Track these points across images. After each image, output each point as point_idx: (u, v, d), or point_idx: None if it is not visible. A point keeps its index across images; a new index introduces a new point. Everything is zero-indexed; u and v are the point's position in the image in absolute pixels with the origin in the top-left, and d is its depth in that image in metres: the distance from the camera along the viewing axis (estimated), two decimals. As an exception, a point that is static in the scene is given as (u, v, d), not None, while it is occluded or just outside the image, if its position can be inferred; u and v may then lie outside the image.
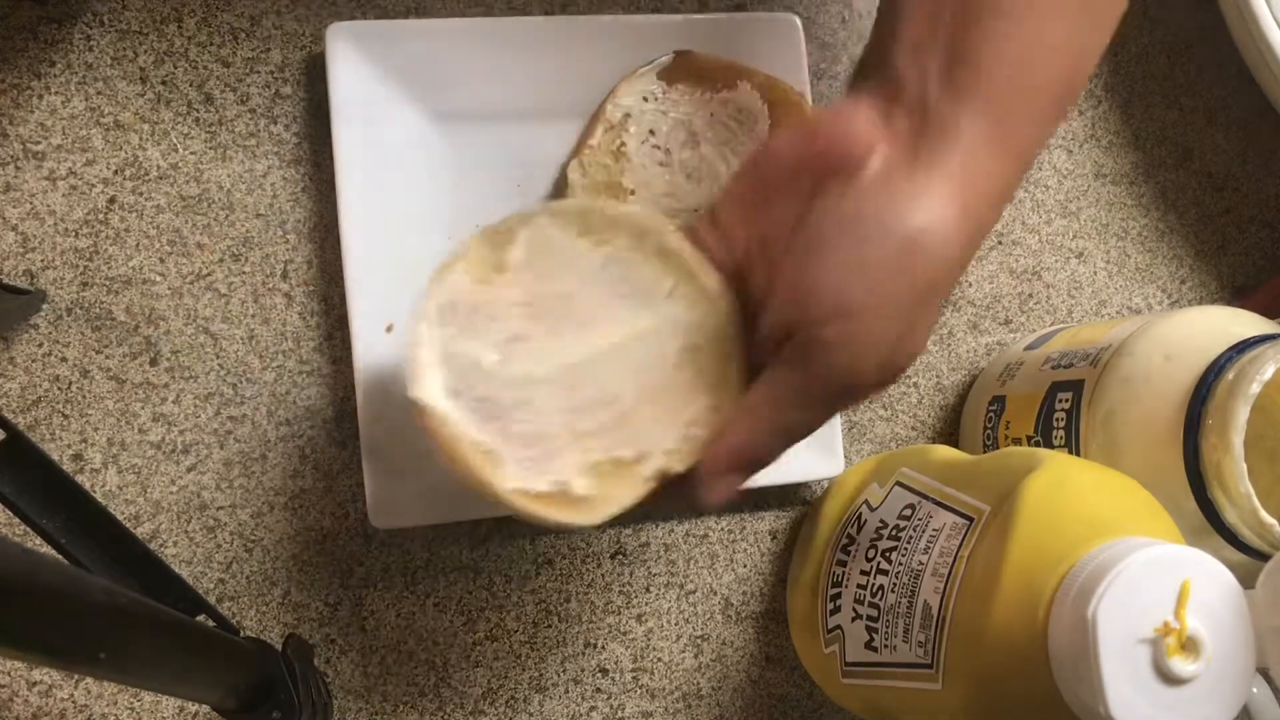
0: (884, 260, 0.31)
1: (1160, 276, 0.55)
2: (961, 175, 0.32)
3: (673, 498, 0.37)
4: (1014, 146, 0.33)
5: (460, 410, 0.36)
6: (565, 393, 0.37)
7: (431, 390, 0.36)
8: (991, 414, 0.48)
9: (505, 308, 0.37)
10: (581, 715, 0.47)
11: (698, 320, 0.37)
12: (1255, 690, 0.41)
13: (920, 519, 0.41)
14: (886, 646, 0.40)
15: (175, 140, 0.45)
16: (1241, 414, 0.37)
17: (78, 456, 0.44)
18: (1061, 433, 0.44)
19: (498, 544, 0.47)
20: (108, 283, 0.44)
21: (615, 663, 0.48)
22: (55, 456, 0.43)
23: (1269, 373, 0.37)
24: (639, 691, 0.48)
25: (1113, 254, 0.55)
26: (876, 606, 0.41)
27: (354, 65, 0.44)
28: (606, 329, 0.37)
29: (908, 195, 0.32)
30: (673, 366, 0.37)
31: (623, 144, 0.45)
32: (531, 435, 0.37)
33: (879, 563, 0.42)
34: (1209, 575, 0.32)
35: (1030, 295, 0.53)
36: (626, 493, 0.37)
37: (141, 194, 0.45)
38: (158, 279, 0.45)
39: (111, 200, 0.44)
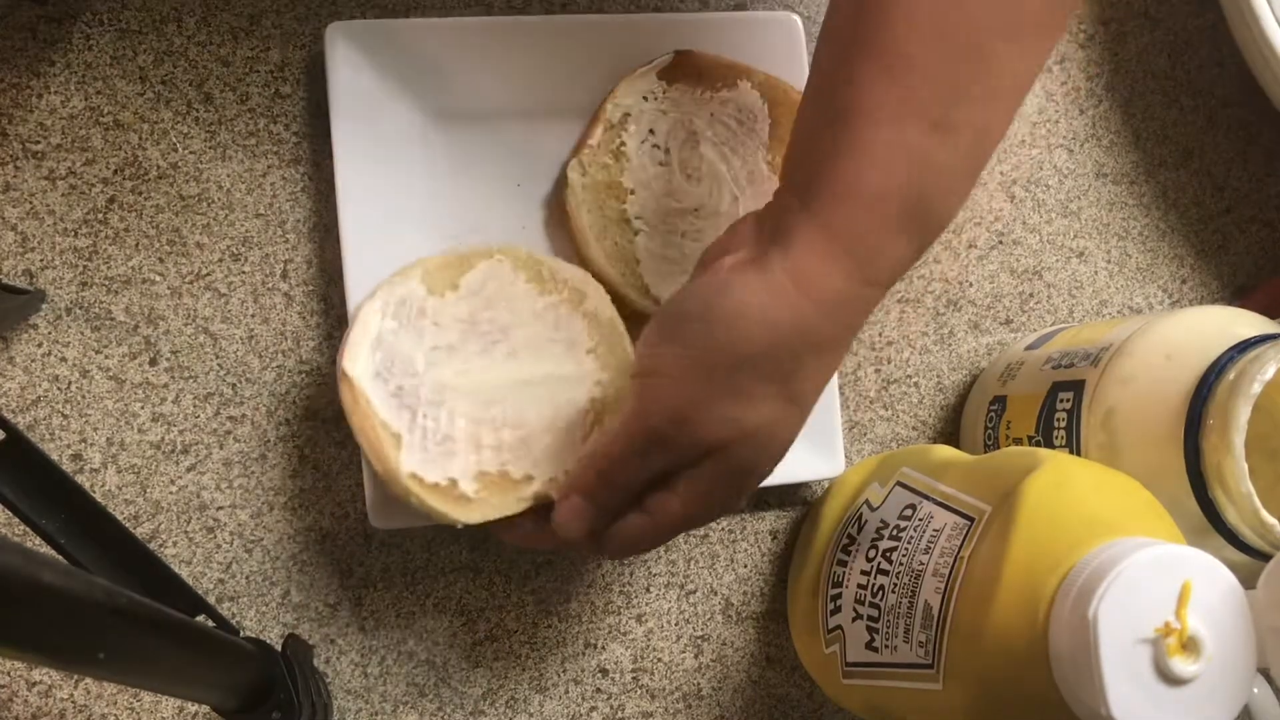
0: (688, 330, 0.36)
1: (1161, 276, 0.55)
2: (785, 278, 0.35)
3: (542, 524, 0.40)
4: (850, 255, 0.34)
5: (379, 392, 0.41)
6: (478, 406, 0.42)
7: (360, 367, 0.40)
8: (992, 414, 0.48)
9: (448, 320, 0.42)
10: (581, 715, 0.47)
11: (609, 379, 0.43)
12: (1256, 690, 0.41)
13: (921, 519, 0.41)
14: (887, 647, 0.40)
15: (175, 140, 0.45)
16: (1243, 414, 0.37)
17: (77, 456, 0.44)
18: (1062, 432, 0.44)
19: (497, 544, 0.47)
20: (107, 283, 0.44)
21: (615, 663, 0.48)
22: (55, 456, 0.43)
23: (1270, 372, 0.37)
24: (639, 692, 0.48)
25: (1114, 254, 0.55)
26: (877, 606, 0.41)
27: (354, 65, 0.44)
28: (530, 364, 0.43)
29: (728, 285, 0.35)
30: (578, 411, 0.42)
31: (623, 144, 0.45)
32: (437, 433, 0.41)
33: (879, 563, 0.42)
34: (1210, 575, 0.32)
35: (1031, 295, 0.53)
36: (505, 504, 0.41)
37: (141, 193, 0.45)
38: (157, 279, 0.45)
39: (111, 200, 0.44)
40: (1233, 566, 0.32)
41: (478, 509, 0.41)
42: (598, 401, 0.43)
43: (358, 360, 0.41)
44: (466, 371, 0.42)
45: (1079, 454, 0.43)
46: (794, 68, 0.48)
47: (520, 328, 0.43)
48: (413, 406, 0.41)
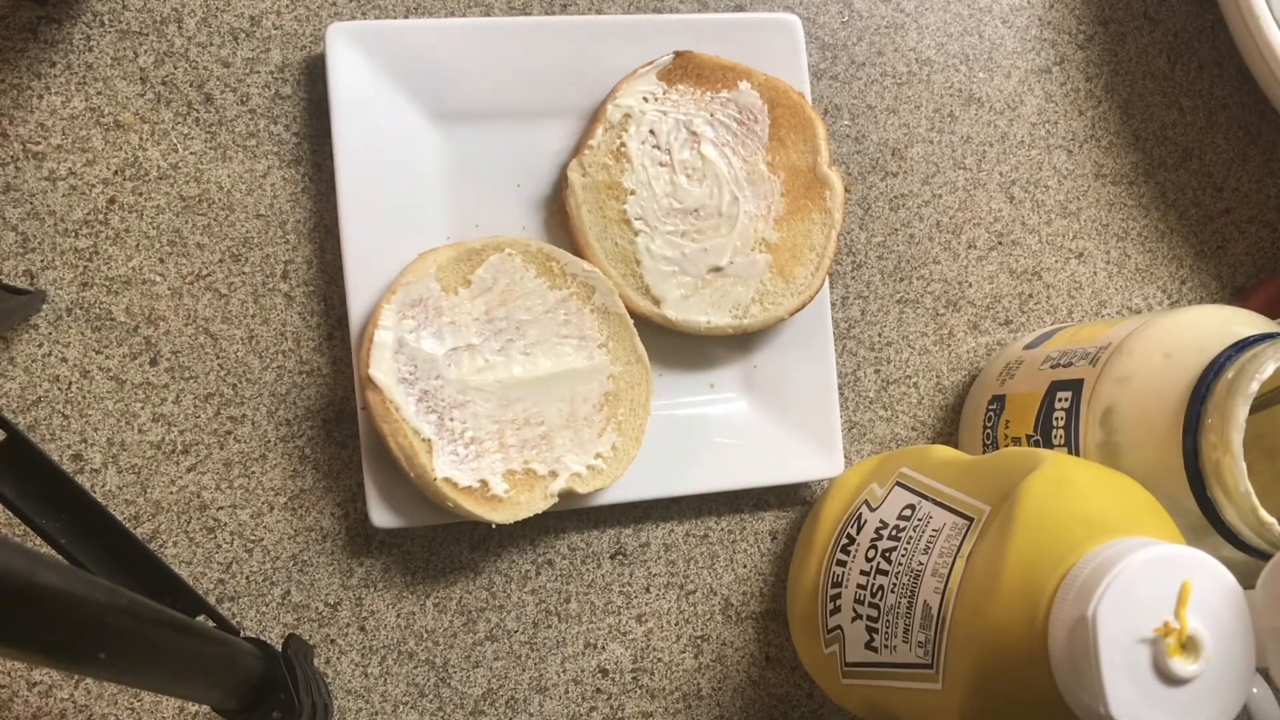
0: None
1: (1160, 277, 0.55)
2: None
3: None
4: None
5: (406, 397, 0.41)
6: (500, 405, 0.43)
7: (385, 372, 0.41)
8: (991, 413, 0.48)
9: (465, 319, 0.43)
10: (581, 715, 0.47)
11: (620, 373, 0.44)
12: (1255, 690, 0.41)
13: (920, 519, 0.41)
14: (886, 647, 0.40)
15: (175, 140, 0.45)
16: (1241, 412, 0.37)
17: (78, 456, 0.44)
18: (1061, 432, 0.44)
19: (498, 544, 0.47)
20: (108, 283, 0.44)
21: (615, 663, 0.48)
22: (55, 456, 0.43)
23: (1268, 371, 0.37)
24: (639, 692, 0.48)
25: (1113, 254, 0.55)
26: (876, 607, 0.41)
27: (354, 65, 0.44)
28: (546, 360, 0.43)
29: None
30: (592, 406, 0.44)
31: (623, 144, 0.45)
32: (465, 435, 0.42)
33: (879, 563, 0.42)
34: (1209, 575, 0.32)
35: (1030, 295, 0.53)
36: (533, 502, 0.43)
37: (141, 194, 0.45)
38: (158, 279, 0.45)
39: (111, 200, 0.44)
40: (1232, 566, 0.32)
41: (509, 509, 0.42)
42: (609, 394, 0.44)
43: (382, 365, 0.41)
44: (486, 371, 0.42)
45: (1077, 453, 0.43)
46: (794, 68, 0.48)
47: (534, 324, 0.43)
48: (439, 410, 0.42)
